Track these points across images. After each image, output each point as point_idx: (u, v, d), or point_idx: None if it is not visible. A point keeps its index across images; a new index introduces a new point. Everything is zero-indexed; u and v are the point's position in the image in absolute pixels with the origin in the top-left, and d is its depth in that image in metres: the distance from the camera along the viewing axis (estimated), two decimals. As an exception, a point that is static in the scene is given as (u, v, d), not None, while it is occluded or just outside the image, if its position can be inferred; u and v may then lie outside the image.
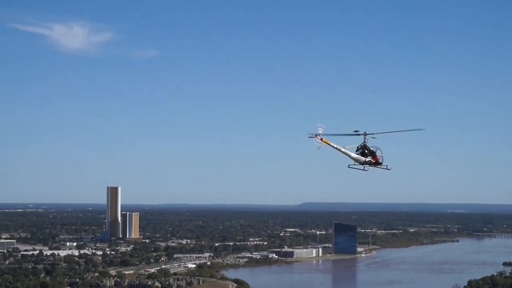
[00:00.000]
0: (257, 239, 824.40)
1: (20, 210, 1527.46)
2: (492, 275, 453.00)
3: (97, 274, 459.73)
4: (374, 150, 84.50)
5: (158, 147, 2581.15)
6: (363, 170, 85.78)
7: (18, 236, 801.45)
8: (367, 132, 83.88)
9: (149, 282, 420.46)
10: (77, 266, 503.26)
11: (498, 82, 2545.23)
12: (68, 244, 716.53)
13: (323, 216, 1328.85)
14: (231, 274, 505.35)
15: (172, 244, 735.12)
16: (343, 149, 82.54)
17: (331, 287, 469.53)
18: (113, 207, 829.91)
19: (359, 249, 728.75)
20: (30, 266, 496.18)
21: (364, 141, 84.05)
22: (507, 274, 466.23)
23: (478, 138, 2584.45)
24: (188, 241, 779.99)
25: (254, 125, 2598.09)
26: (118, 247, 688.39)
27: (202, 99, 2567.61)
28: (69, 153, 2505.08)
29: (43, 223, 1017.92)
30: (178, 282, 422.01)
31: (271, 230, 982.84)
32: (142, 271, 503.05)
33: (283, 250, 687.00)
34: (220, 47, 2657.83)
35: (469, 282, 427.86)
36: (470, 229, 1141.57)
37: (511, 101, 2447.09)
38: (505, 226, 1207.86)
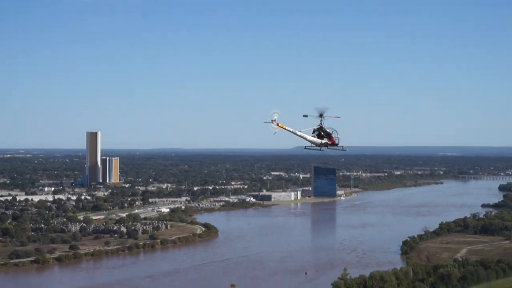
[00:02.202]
0: (239, 183, 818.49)
1: (8, 155, 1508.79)
2: (465, 217, 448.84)
3: (64, 219, 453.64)
4: (330, 132, 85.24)
5: (152, 92, 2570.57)
6: (320, 150, 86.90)
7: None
8: (324, 114, 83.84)
9: (115, 227, 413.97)
10: (47, 212, 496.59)
11: (489, 23, 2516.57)
12: (46, 189, 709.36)
13: (311, 160, 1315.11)
14: (204, 218, 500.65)
15: (152, 188, 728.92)
16: (299, 133, 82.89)
17: (302, 231, 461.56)
18: (92, 152, 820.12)
19: (339, 192, 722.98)
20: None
21: (321, 123, 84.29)
22: (481, 216, 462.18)
23: (472, 81, 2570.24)
24: (169, 185, 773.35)
25: (251, 68, 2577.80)
26: (96, 192, 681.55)
27: (194, 43, 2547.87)
28: (59, 99, 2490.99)
29: (25, 168, 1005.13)
30: (145, 227, 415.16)
31: (256, 174, 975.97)
32: (113, 216, 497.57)
33: (261, 193, 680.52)
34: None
35: (440, 224, 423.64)
36: (456, 172, 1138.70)
37: (502, 43, 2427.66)
38: (492, 168, 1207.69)
